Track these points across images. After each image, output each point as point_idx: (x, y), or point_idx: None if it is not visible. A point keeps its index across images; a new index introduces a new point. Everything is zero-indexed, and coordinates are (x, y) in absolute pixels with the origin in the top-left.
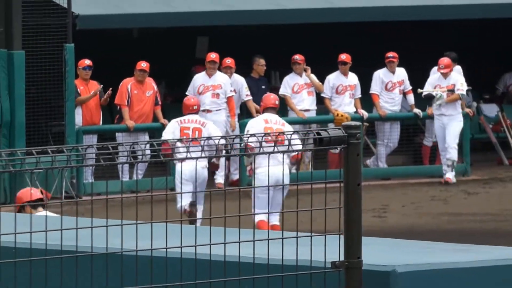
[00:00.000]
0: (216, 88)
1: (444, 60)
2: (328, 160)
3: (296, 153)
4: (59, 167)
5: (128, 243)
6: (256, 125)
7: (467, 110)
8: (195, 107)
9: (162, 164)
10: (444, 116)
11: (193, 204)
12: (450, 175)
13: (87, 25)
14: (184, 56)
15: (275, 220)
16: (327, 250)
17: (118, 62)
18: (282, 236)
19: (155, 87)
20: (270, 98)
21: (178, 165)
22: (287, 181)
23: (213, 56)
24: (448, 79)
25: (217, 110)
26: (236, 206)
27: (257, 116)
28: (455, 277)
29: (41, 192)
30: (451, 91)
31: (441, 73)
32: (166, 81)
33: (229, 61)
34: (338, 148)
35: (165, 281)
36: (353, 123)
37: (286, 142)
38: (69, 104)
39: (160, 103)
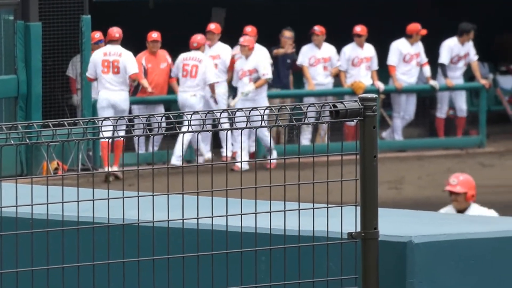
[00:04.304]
0: (215, 58)
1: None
2: (344, 132)
3: (134, 73)
4: (75, 140)
5: (144, 215)
6: (96, 56)
7: (484, 81)
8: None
9: (177, 137)
10: (247, 100)
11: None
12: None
13: None
14: (201, 28)
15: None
16: (344, 221)
17: (134, 34)
18: (299, 207)
19: (169, 59)
20: (114, 31)
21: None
22: (124, 105)
23: (212, 26)
24: (248, 63)
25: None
26: (252, 178)
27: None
28: (471, 248)
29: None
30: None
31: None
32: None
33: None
34: (354, 121)
35: (182, 252)
36: (369, 95)
37: (122, 70)
38: (85, 76)
39: None
